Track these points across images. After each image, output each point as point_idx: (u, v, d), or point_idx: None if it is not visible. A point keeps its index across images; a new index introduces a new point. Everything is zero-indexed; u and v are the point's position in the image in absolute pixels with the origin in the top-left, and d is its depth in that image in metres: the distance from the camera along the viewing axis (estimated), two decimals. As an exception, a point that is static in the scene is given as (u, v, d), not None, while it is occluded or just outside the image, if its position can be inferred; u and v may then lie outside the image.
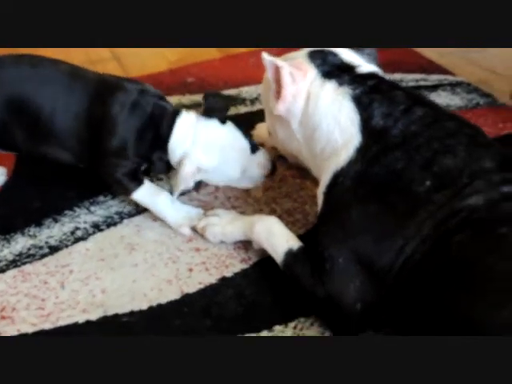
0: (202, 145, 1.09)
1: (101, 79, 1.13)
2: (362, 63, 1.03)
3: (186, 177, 1.07)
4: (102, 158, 1.10)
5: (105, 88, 1.10)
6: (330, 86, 0.98)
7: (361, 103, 0.95)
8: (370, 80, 0.98)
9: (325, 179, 0.97)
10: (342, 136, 0.96)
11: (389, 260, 0.84)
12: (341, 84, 0.98)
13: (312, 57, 1.02)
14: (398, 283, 0.84)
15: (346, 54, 1.03)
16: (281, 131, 1.09)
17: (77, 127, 1.09)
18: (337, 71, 1.00)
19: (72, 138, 1.10)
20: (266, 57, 0.98)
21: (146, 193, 1.13)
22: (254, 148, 1.15)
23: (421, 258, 0.82)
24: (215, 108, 1.12)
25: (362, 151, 0.92)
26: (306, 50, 1.05)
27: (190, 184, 1.10)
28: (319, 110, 0.99)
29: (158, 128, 1.10)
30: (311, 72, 1.01)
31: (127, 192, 1.13)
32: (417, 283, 0.82)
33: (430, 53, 1.82)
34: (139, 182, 1.12)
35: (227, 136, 1.12)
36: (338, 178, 0.94)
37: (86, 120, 1.08)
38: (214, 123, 1.12)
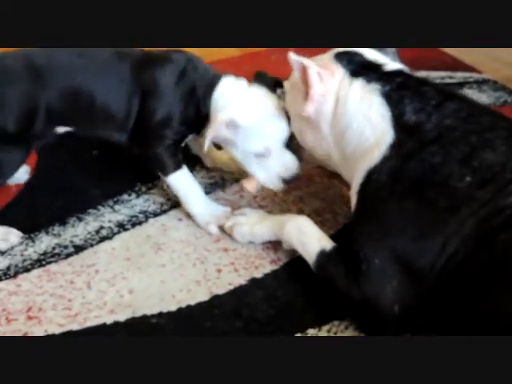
0: (246, 102, 1.08)
1: (147, 53, 1.14)
2: (388, 61, 1.01)
3: (218, 124, 1.04)
4: (148, 130, 1.10)
5: (152, 60, 1.12)
6: (358, 84, 0.96)
7: (391, 99, 0.93)
8: (398, 77, 0.96)
9: (357, 178, 0.94)
10: (373, 133, 0.93)
11: (429, 259, 0.82)
12: (369, 82, 0.95)
13: (338, 57, 1.00)
14: (438, 284, 0.81)
15: (371, 54, 1.01)
16: (310, 134, 1.06)
17: (128, 104, 1.09)
18: (364, 70, 0.98)
19: (124, 117, 1.10)
20: (292, 56, 0.96)
21: (183, 179, 1.12)
22: (291, 145, 1.10)
23: (463, 258, 0.79)
24: (265, 81, 1.12)
25: (395, 147, 0.90)
26: (331, 52, 1.03)
27: (220, 133, 1.06)
28: (349, 109, 0.96)
29: (204, 92, 1.10)
30: (339, 71, 0.98)
31: (165, 171, 1.11)
32: (459, 284, 0.80)
33: (454, 50, 1.79)
34: (178, 165, 1.11)
35: (273, 105, 1.09)
36: (371, 175, 0.91)
37: (136, 95, 1.09)
38: (263, 90, 1.11)
